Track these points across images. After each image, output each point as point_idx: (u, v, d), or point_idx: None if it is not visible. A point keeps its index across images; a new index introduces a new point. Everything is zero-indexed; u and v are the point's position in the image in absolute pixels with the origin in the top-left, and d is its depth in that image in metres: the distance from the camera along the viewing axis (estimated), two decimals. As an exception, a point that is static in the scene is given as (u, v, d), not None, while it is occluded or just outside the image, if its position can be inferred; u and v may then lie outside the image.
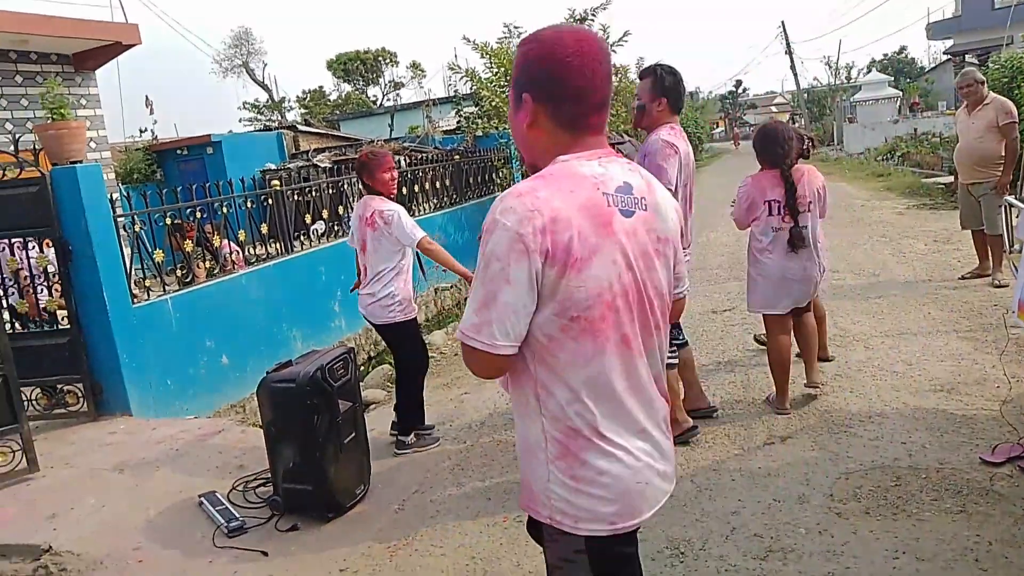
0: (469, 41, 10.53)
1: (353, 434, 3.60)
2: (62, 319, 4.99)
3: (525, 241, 1.35)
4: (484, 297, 1.40)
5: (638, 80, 4.01)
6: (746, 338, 5.65)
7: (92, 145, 8.47)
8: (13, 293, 5.08)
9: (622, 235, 1.44)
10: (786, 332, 4.22)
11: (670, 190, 3.66)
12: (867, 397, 4.23)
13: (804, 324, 4.29)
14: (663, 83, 3.74)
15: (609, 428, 1.46)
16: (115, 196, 5.17)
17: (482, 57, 10.56)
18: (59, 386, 4.97)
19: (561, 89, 1.45)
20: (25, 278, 5.06)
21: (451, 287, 9.01)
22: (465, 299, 8.34)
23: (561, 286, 1.38)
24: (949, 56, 29.18)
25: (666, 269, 1.56)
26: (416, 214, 8.53)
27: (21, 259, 5.02)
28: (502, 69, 10.39)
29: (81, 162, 4.81)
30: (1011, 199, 4.69)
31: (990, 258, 6.41)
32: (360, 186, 4.42)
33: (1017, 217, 4.31)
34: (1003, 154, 6.10)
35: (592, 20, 10.35)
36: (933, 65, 36.93)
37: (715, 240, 10.28)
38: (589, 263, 1.39)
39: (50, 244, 4.83)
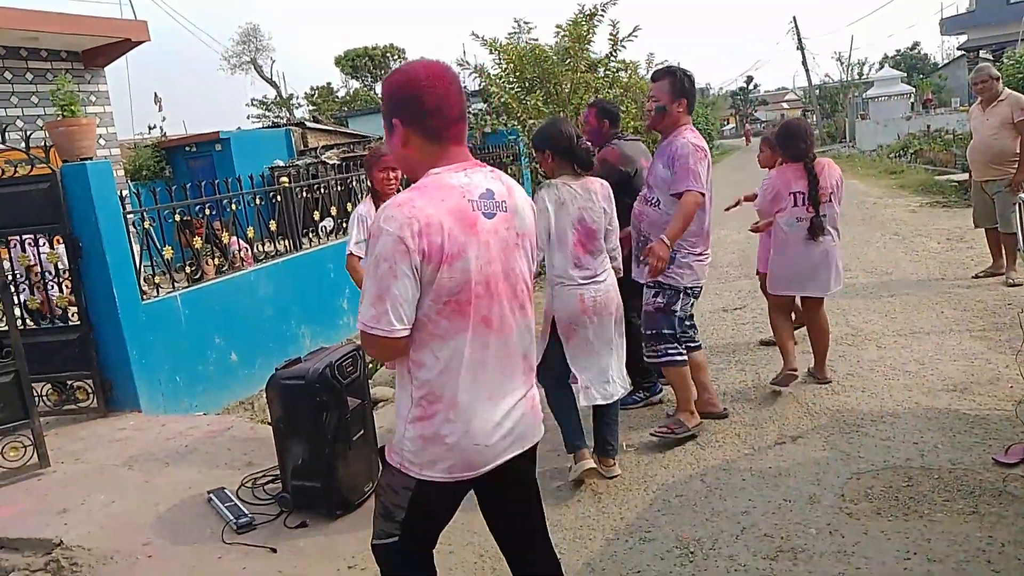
0: (478, 37, 10.49)
1: (362, 431, 3.60)
2: (72, 315, 5.01)
3: (406, 243, 1.64)
4: (377, 291, 1.68)
5: (650, 79, 3.99)
6: (757, 336, 5.62)
7: (102, 142, 8.50)
8: (24, 289, 5.11)
9: (485, 234, 1.76)
10: (789, 315, 4.67)
11: (702, 193, 3.65)
12: (879, 397, 4.20)
13: (820, 318, 4.52)
14: (683, 84, 3.79)
15: (464, 396, 1.77)
16: (124, 193, 5.19)
17: (491, 53, 10.52)
18: (69, 382, 4.99)
19: (422, 108, 1.75)
20: (36, 274, 5.09)
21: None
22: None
23: (436, 278, 1.69)
24: (963, 52, 28.96)
25: (525, 259, 1.91)
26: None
27: (32, 256, 5.05)
28: (511, 65, 10.35)
29: (91, 159, 4.83)
30: (1025, 196, 4.65)
31: (1004, 256, 6.34)
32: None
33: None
34: (1017, 151, 6.03)
35: (602, 15, 10.29)
36: (947, 61, 36.67)
37: (726, 237, 10.22)
38: (458, 258, 1.70)
39: (60, 241, 4.86)
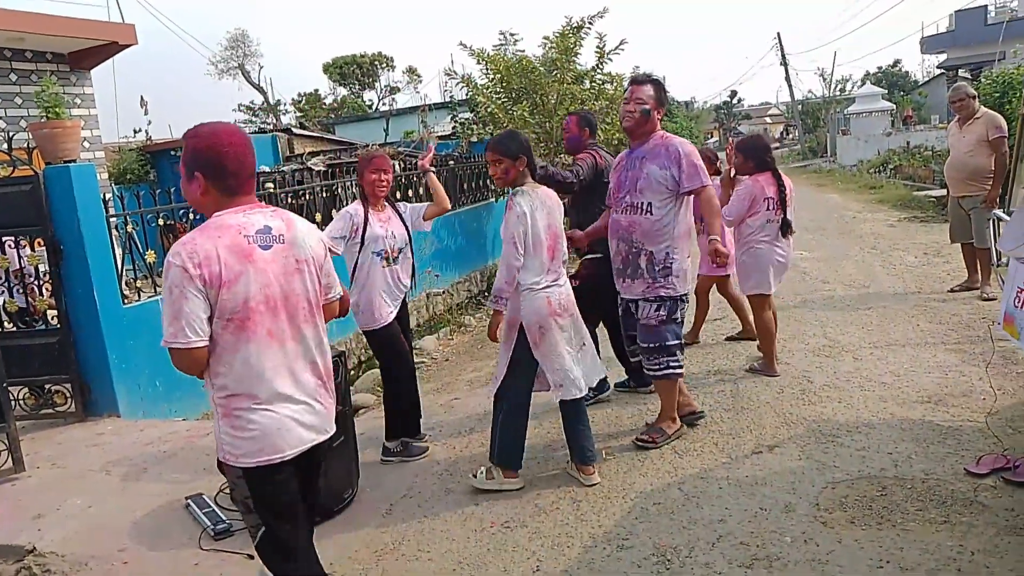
0: (466, 47, 10.56)
1: (342, 438, 3.59)
2: (52, 319, 4.97)
3: (189, 271, 2.03)
4: (173, 312, 2.04)
5: (630, 82, 3.98)
6: (736, 347, 5.68)
7: (86, 145, 8.44)
8: (3, 292, 5.06)
9: (262, 262, 2.13)
10: (771, 308, 5.00)
11: (706, 186, 3.73)
12: (854, 407, 4.26)
13: (773, 313, 5.06)
14: (663, 93, 3.89)
15: (259, 393, 2.14)
16: (108, 196, 5.17)
17: (479, 63, 10.59)
18: (47, 386, 4.95)
19: (223, 170, 2.14)
20: (16, 277, 5.04)
21: (443, 292, 9.02)
22: (456, 305, 8.35)
23: (219, 299, 2.06)
24: (943, 70, 29.41)
25: (310, 281, 2.26)
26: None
27: (13, 258, 5.01)
28: (498, 75, 10.42)
29: (75, 161, 4.81)
30: (999, 212, 4.73)
31: (979, 271, 6.46)
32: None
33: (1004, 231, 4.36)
34: (993, 168, 6.15)
35: (589, 28, 10.39)
36: (927, 79, 37.20)
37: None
38: (235, 283, 2.07)
39: (41, 243, 4.82)
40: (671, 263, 3.76)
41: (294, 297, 2.21)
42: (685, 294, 3.90)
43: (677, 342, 3.87)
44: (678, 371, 3.89)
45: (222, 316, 2.08)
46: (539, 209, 3.47)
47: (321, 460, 2.39)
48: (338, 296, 2.47)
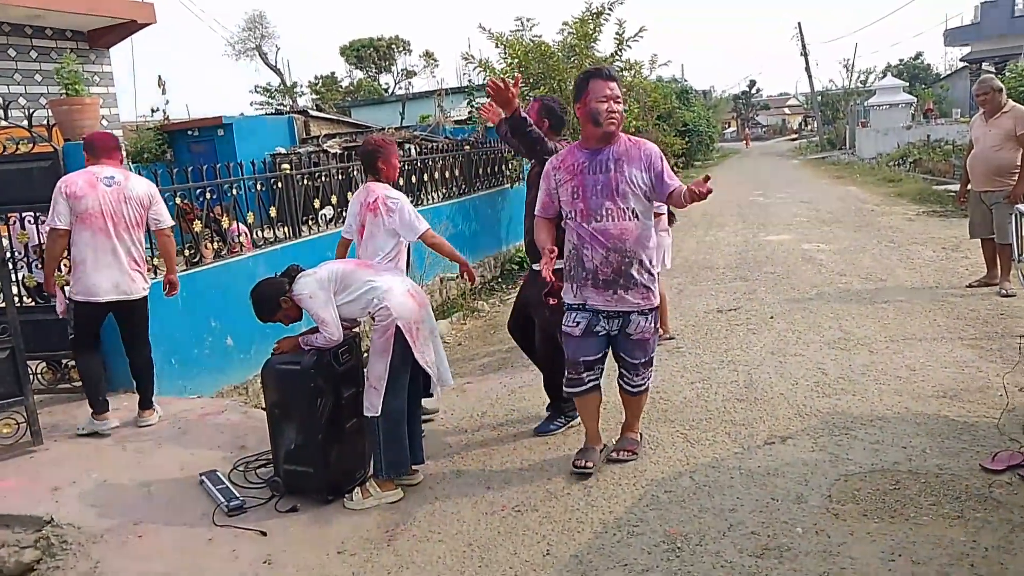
0: (485, 30, 10.49)
1: (355, 419, 3.62)
2: (68, 295, 5.01)
3: (62, 192, 4.15)
4: (52, 212, 4.17)
5: (604, 76, 3.49)
6: (750, 338, 5.65)
7: (104, 123, 8.49)
8: (23, 267, 5.11)
9: (101, 192, 4.22)
10: None
11: (680, 185, 3.46)
12: (869, 400, 4.23)
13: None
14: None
15: (95, 264, 4.20)
16: (126, 174, 5.18)
17: (496, 47, 10.52)
18: (64, 361, 5.00)
19: (97, 147, 4.41)
20: (36, 252, 5.08)
21: (456, 277, 9.02)
22: (470, 290, 8.35)
23: (73, 207, 4.15)
24: (966, 63, 29.00)
25: (132, 209, 4.33)
26: (424, 203, 8.53)
27: (32, 234, 5.04)
28: (516, 60, 10.36)
29: (93, 139, 4.82)
30: (1022, 207, 4.66)
31: (999, 267, 6.38)
32: (365, 171, 4.36)
33: (1026, 226, 4.30)
34: (1018, 163, 6.06)
35: (608, 14, 10.30)
36: (949, 72, 36.69)
37: (722, 240, 10.25)
38: (83, 198, 4.15)
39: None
40: (654, 269, 3.59)
41: (118, 215, 4.25)
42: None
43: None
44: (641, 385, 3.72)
45: (75, 217, 4.15)
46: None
47: (133, 313, 4.43)
48: (166, 226, 4.52)
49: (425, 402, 4.07)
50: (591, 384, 3.64)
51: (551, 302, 3.69)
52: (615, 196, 3.44)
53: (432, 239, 4.15)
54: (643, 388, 3.72)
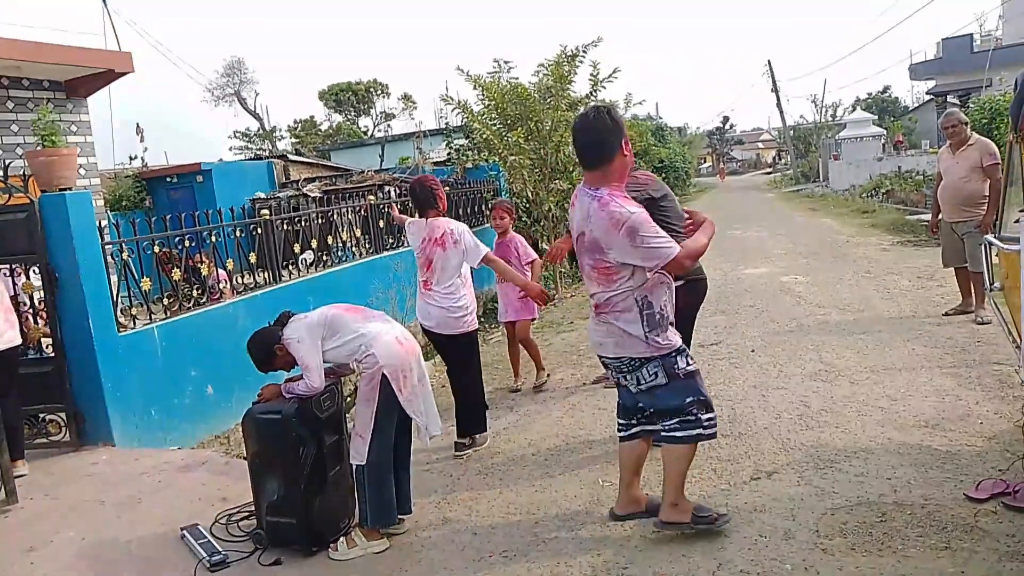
0: (463, 72, 10.66)
1: (338, 467, 3.57)
2: (47, 347, 4.94)
3: None
4: None
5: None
6: (732, 372, 5.68)
7: (82, 171, 8.46)
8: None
9: None
10: None
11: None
12: (852, 432, 4.25)
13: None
14: None
15: None
16: (103, 223, 5.16)
17: (474, 88, 10.68)
18: (41, 415, 4.91)
19: None
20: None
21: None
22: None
23: None
24: (931, 96, 29.81)
25: None
26: (405, 245, 8.55)
27: (8, 286, 4.99)
28: (493, 102, 10.51)
29: (71, 189, 4.81)
30: (990, 238, 4.76)
31: (973, 295, 6.49)
32: (421, 208, 4.71)
33: (996, 255, 4.39)
34: (987, 194, 6.21)
35: (583, 56, 10.50)
36: (916, 104, 37.68)
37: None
38: None
39: (37, 271, 4.81)
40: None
41: None
42: None
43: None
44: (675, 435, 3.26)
45: None
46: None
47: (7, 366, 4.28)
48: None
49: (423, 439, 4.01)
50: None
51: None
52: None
53: (491, 259, 4.68)
54: (712, 430, 3.24)
